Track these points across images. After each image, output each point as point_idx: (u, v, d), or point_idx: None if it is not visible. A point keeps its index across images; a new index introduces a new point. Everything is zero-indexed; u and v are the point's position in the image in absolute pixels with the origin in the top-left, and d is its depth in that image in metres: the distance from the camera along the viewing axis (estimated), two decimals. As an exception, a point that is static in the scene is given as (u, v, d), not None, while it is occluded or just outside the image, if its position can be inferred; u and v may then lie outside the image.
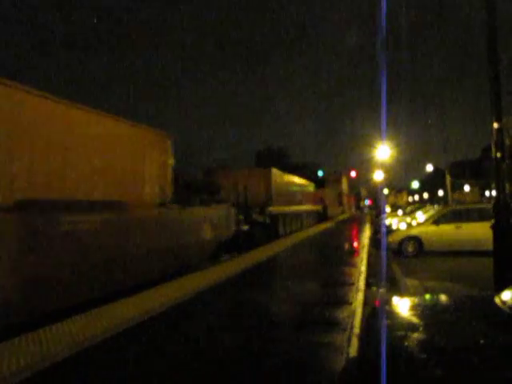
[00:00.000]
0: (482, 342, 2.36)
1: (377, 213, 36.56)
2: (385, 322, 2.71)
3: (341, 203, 41.93)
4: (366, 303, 5.89)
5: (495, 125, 6.69)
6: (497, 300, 2.85)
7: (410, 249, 13.25)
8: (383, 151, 24.04)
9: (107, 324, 4.99)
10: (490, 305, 2.81)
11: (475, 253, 11.48)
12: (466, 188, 49.64)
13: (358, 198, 53.44)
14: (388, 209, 35.08)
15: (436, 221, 13.75)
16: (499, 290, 3.17)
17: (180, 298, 6.21)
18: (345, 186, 46.87)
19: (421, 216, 20.06)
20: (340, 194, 42.25)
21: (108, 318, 5.29)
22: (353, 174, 43.71)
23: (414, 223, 16.99)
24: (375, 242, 16.01)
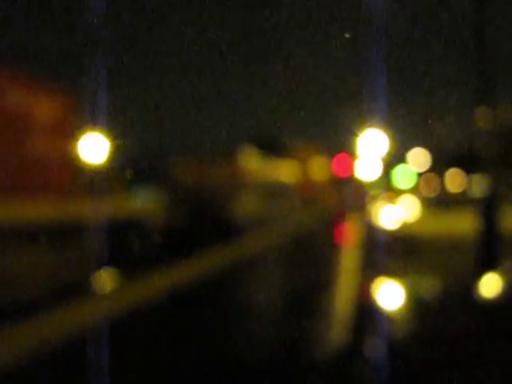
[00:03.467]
0: (457, 330, 2.70)
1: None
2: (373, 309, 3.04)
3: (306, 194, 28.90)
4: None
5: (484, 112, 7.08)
6: (476, 289, 3.21)
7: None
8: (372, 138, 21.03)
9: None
10: (470, 293, 3.17)
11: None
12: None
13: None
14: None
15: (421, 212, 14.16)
16: (481, 278, 3.54)
17: None
18: (319, 168, 32.32)
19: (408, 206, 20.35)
20: (307, 179, 29.87)
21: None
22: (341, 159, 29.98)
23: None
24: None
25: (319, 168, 35.25)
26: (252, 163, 19.58)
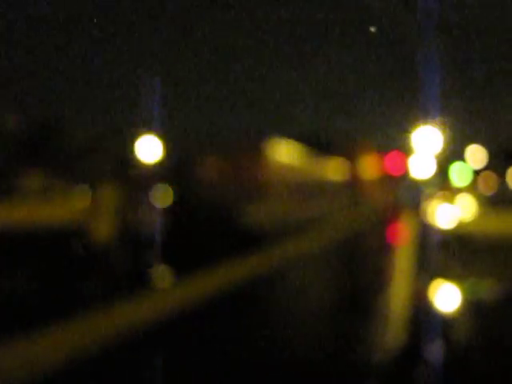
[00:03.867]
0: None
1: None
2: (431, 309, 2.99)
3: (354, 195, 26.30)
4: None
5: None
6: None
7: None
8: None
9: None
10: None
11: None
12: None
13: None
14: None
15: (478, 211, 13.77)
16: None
17: None
18: (372, 166, 31.30)
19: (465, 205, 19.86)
20: (359, 177, 27.22)
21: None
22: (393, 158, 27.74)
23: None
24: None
25: (372, 166, 34.67)
26: (285, 157, 16.66)
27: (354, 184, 29.72)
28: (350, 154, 29.83)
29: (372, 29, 5.79)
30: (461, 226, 13.94)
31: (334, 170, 26.09)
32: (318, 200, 19.19)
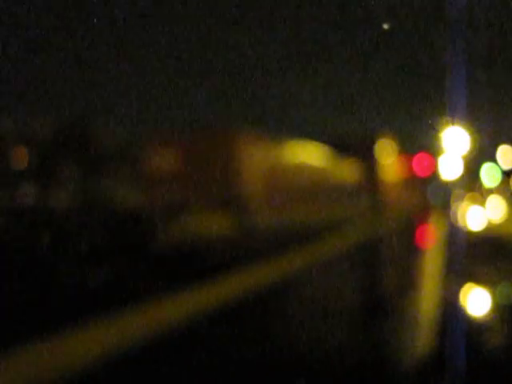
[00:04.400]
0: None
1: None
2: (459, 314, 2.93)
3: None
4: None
5: None
6: None
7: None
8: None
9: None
10: None
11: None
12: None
13: None
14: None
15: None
16: None
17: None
18: (399, 167, 29.83)
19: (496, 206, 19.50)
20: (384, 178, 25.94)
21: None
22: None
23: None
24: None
25: (398, 167, 33.87)
26: (260, 151, 12.68)
27: (376, 186, 27.81)
28: (373, 154, 28.56)
29: (385, 26, 5.73)
30: (491, 227, 13.70)
31: (351, 171, 24.38)
32: (326, 206, 16.57)
